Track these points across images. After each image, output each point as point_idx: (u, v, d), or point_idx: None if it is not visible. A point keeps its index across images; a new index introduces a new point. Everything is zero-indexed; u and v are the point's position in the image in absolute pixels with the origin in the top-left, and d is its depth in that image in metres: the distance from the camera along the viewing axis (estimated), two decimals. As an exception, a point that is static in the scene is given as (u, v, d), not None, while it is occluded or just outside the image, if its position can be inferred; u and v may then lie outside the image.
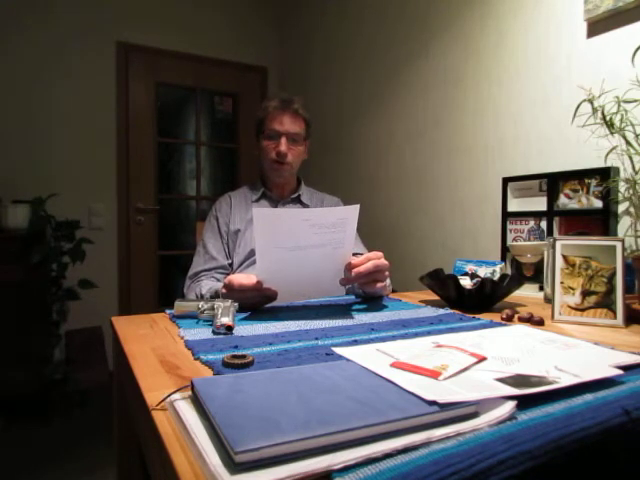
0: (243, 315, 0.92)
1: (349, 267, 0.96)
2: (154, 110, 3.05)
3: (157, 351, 0.69)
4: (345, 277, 0.97)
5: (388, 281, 1.26)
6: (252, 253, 1.34)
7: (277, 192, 1.45)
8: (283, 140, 1.36)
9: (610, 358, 0.60)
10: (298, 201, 1.47)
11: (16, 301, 2.31)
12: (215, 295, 1.10)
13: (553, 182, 1.41)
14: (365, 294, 1.11)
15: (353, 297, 1.16)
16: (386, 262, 1.01)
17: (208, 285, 1.21)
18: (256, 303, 0.98)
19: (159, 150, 3.09)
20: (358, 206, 0.92)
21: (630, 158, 1.15)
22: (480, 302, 1.01)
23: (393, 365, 0.55)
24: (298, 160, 1.43)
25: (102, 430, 2.16)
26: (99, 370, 2.65)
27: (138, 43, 2.95)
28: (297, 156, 1.41)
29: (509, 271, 1.46)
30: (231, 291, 0.95)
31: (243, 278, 0.94)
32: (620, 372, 0.54)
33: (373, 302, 1.09)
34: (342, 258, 0.96)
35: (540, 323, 0.87)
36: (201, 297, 1.19)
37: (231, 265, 1.37)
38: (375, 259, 0.98)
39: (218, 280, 1.30)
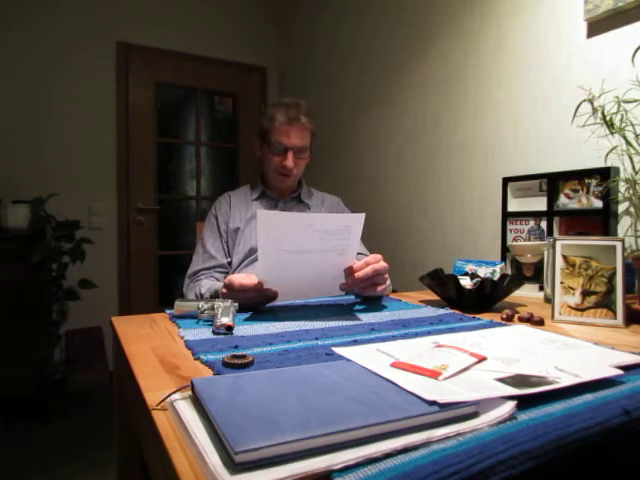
0: (243, 315, 0.92)
1: (349, 271, 0.96)
2: (154, 110, 3.05)
3: (157, 351, 0.69)
4: (345, 282, 0.97)
5: (388, 281, 1.27)
6: (252, 251, 1.34)
7: (277, 192, 1.46)
8: (290, 155, 1.35)
9: (610, 358, 0.60)
10: (298, 200, 1.47)
11: (16, 301, 2.31)
12: (215, 295, 1.10)
13: (553, 182, 1.40)
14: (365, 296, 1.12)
15: (353, 297, 1.16)
16: (385, 265, 1.01)
17: (208, 284, 1.21)
18: (256, 303, 0.98)
19: (159, 150, 3.09)
20: (364, 215, 0.92)
21: (630, 158, 1.15)
22: (480, 302, 1.01)
23: (393, 365, 0.55)
24: (303, 169, 1.44)
25: (102, 430, 2.16)
26: (99, 370, 2.65)
27: (138, 43, 2.95)
28: (302, 166, 1.42)
29: (509, 271, 1.46)
30: (231, 291, 0.95)
31: (243, 278, 0.94)
32: (620, 372, 0.54)
33: (373, 302, 1.09)
34: (344, 265, 0.96)
35: (540, 323, 0.87)
36: (200, 297, 1.19)
37: (230, 264, 1.37)
38: (374, 263, 0.98)
39: (217, 279, 1.30)
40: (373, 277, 0.98)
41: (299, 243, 0.89)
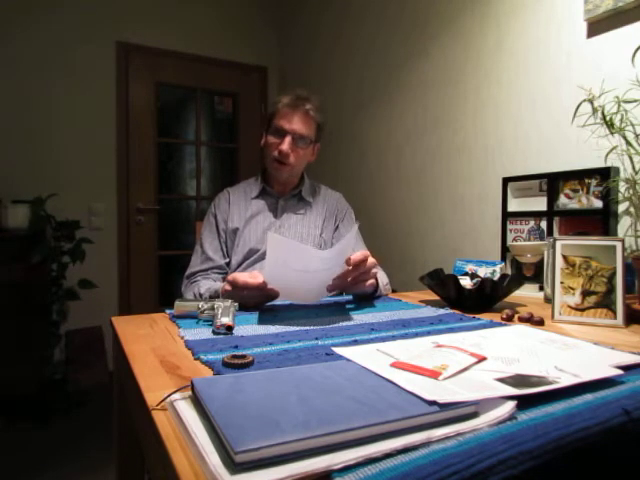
0: (243, 315, 0.92)
1: (349, 263, 0.96)
2: (154, 110, 3.04)
3: (157, 351, 0.69)
4: (332, 284, 0.97)
5: (387, 280, 1.27)
6: (251, 252, 1.34)
7: (278, 188, 1.43)
8: (287, 139, 1.30)
9: (610, 358, 0.60)
10: (299, 197, 1.44)
11: (16, 301, 2.31)
12: (215, 295, 1.10)
13: (553, 182, 1.40)
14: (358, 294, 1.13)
15: (352, 297, 1.16)
16: (372, 260, 1.03)
17: (207, 285, 1.21)
18: (258, 302, 0.99)
19: (159, 150, 3.09)
20: (358, 224, 1.06)
21: (630, 158, 1.15)
22: (480, 302, 1.01)
23: (393, 365, 0.55)
24: (301, 162, 1.38)
25: (102, 430, 2.16)
26: (99, 370, 2.65)
27: (138, 43, 2.94)
28: (300, 158, 1.36)
29: (509, 271, 1.46)
30: (235, 288, 0.96)
31: (248, 277, 0.95)
32: (620, 372, 0.54)
33: (373, 302, 1.09)
34: (339, 266, 0.98)
35: (540, 323, 0.87)
36: (200, 297, 1.19)
37: (228, 264, 1.36)
38: (363, 259, 1.00)
39: (214, 280, 1.30)
40: (359, 275, 1.01)
41: (304, 265, 0.90)
